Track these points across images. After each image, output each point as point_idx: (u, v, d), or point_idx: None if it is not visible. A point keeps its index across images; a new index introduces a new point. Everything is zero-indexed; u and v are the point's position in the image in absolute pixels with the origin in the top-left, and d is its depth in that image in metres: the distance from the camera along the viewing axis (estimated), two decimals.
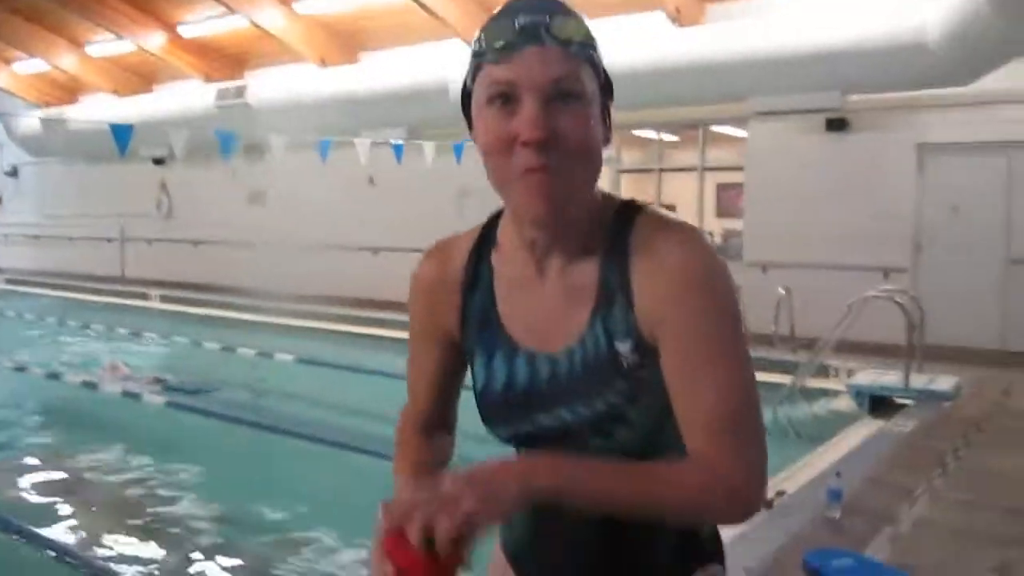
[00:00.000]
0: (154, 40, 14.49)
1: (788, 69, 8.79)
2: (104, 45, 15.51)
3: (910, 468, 4.59)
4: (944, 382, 6.64)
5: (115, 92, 16.74)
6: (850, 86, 8.89)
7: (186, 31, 14.30)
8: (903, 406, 6.24)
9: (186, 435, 6.01)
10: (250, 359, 8.47)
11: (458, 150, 9.37)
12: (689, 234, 1.07)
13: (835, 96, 8.93)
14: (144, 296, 13.53)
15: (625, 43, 9.39)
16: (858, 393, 6.43)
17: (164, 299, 13.22)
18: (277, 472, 5.08)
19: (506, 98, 1.01)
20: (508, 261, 1.16)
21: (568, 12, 1.04)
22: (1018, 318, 8.91)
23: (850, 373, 7.09)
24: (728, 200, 12.55)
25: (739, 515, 1.03)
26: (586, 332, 1.10)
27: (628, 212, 1.11)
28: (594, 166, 1.06)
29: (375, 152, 9.55)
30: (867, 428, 5.81)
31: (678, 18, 9.89)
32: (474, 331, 1.19)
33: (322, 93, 12.04)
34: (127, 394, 6.87)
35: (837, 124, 9.52)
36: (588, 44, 1.04)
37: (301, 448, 5.48)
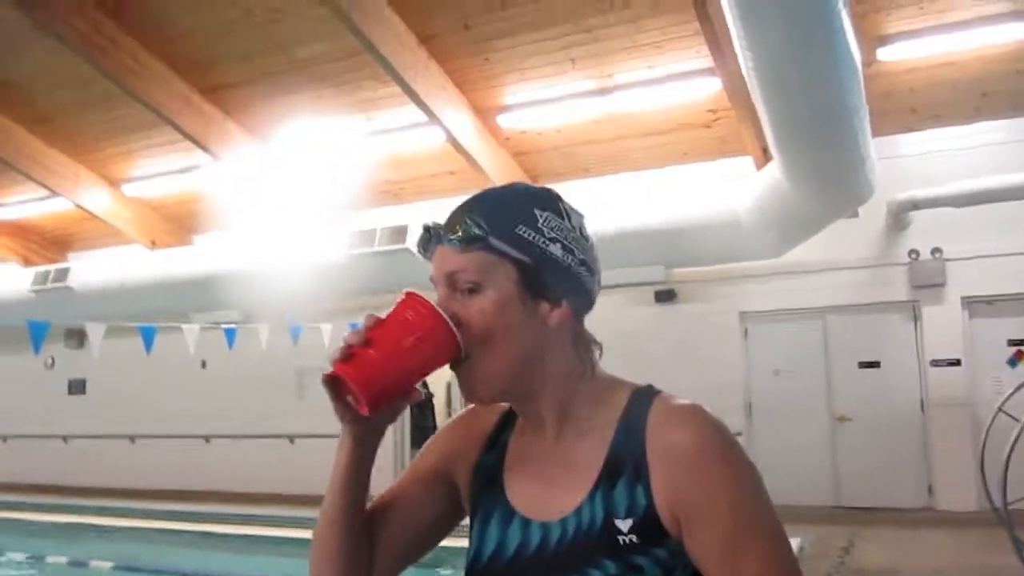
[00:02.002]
0: None
1: (616, 246, 9.20)
2: None
3: None
4: None
5: None
6: (673, 261, 9.39)
7: (3, 213, 13.62)
8: None
9: None
10: (63, 568, 7.62)
11: (295, 331, 9.13)
12: (701, 412, 1.11)
13: (660, 270, 9.39)
14: None
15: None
16: None
17: None
18: None
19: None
20: (522, 430, 1.23)
21: (466, 210, 1.15)
22: (847, 474, 9.30)
23: None
24: None
25: None
26: (584, 503, 1.11)
27: (647, 394, 1.15)
28: (510, 343, 1.12)
29: (208, 336, 9.17)
30: None
31: None
32: (479, 490, 1.23)
33: (152, 276, 11.60)
34: None
35: (665, 296, 10.00)
36: (485, 236, 1.12)
37: None
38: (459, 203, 1.18)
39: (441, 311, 1.10)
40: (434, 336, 1.09)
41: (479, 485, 1.24)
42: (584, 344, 1.19)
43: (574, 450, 1.15)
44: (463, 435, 1.29)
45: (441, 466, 1.29)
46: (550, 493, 1.15)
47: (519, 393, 1.17)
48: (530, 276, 1.12)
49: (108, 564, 7.53)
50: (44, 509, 10.83)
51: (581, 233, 1.18)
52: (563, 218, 1.16)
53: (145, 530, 9.50)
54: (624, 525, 1.08)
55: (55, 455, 13.54)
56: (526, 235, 1.12)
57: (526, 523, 1.16)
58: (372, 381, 1.06)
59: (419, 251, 1.18)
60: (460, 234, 1.12)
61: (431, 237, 1.16)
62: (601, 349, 1.21)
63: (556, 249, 1.13)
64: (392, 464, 10.96)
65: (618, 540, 1.07)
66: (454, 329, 1.10)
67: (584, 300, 1.18)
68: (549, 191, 1.20)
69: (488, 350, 1.12)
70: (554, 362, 1.15)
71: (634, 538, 1.07)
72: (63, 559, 7.84)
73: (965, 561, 6.65)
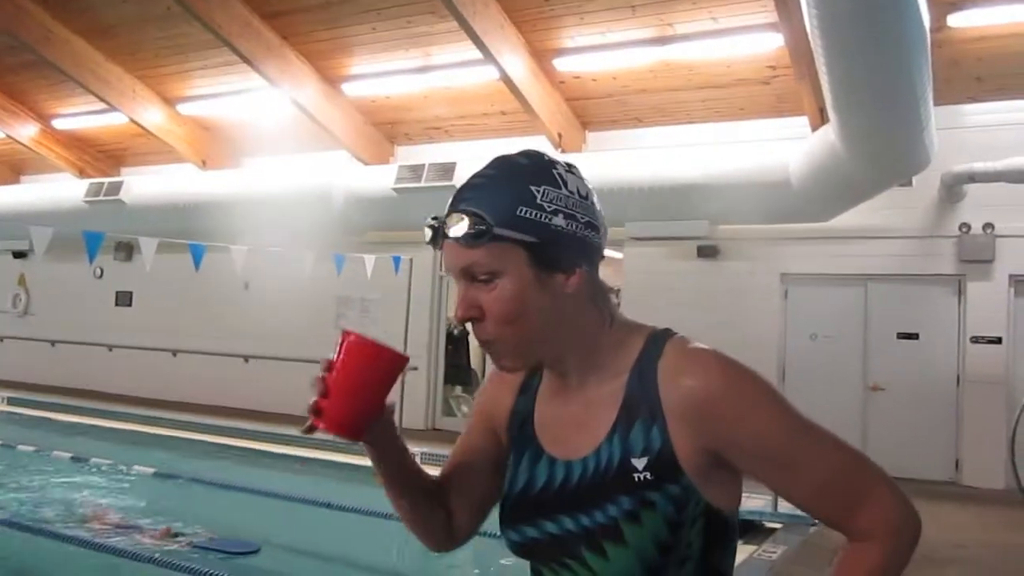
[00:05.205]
0: (26, 131, 13.98)
1: (660, 198, 9.17)
2: None
3: None
4: None
5: None
6: (718, 217, 9.33)
7: (61, 124, 13.87)
8: (772, 530, 6.32)
9: None
10: (104, 469, 7.92)
11: (339, 260, 9.26)
12: (710, 356, 1.18)
13: (704, 225, 9.33)
14: None
15: None
16: None
17: (11, 402, 12.31)
18: None
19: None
20: (549, 375, 1.31)
21: (465, 203, 1.17)
22: (876, 444, 9.28)
23: None
24: None
25: (916, 540, 1.14)
26: (603, 444, 1.19)
27: (660, 338, 1.22)
28: (534, 320, 1.18)
29: (251, 258, 9.34)
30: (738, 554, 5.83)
31: (560, 143, 10.25)
32: (515, 432, 1.34)
33: (201, 195, 11.78)
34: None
35: (708, 251, 9.95)
36: (489, 228, 1.15)
37: None
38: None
39: (372, 339, 1.23)
40: (376, 365, 1.23)
41: (514, 428, 1.34)
42: (601, 295, 1.26)
43: (595, 394, 1.23)
44: (500, 385, 1.40)
45: (486, 420, 1.41)
46: (574, 434, 1.24)
47: (546, 358, 1.25)
48: (540, 254, 1.16)
49: (150, 470, 7.81)
50: (88, 413, 11.22)
51: (579, 194, 1.20)
52: (559, 186, 1.19)
53: (184, 440, 9.82)
54: (639, 463, 1.16)
55: (100, 363, 13.98)
56: (527, 215, 1.16)
57: (552, 461, 1.26)
58: (342, 423, 1.23)
59: (429, 245, 1.23)
60: (466, 231, 1.15)
61: (437, 234, 1.20)
62: (617, 293, 1.30)
63: (559, 220, 1.17)
64: (425, 400, 11.14)
65: (633, 477, 1.16)
66: (390, 348, 1.23)
67: (596, 256, 1.23)
68: (539, 158, 1.22)
69: (512, 331, 1.19)
70: (576, 324, 1.22)
71: (648, 475, 1.15)
72: (107, 461, 8.12)
73: (987, 538, 6.66)
